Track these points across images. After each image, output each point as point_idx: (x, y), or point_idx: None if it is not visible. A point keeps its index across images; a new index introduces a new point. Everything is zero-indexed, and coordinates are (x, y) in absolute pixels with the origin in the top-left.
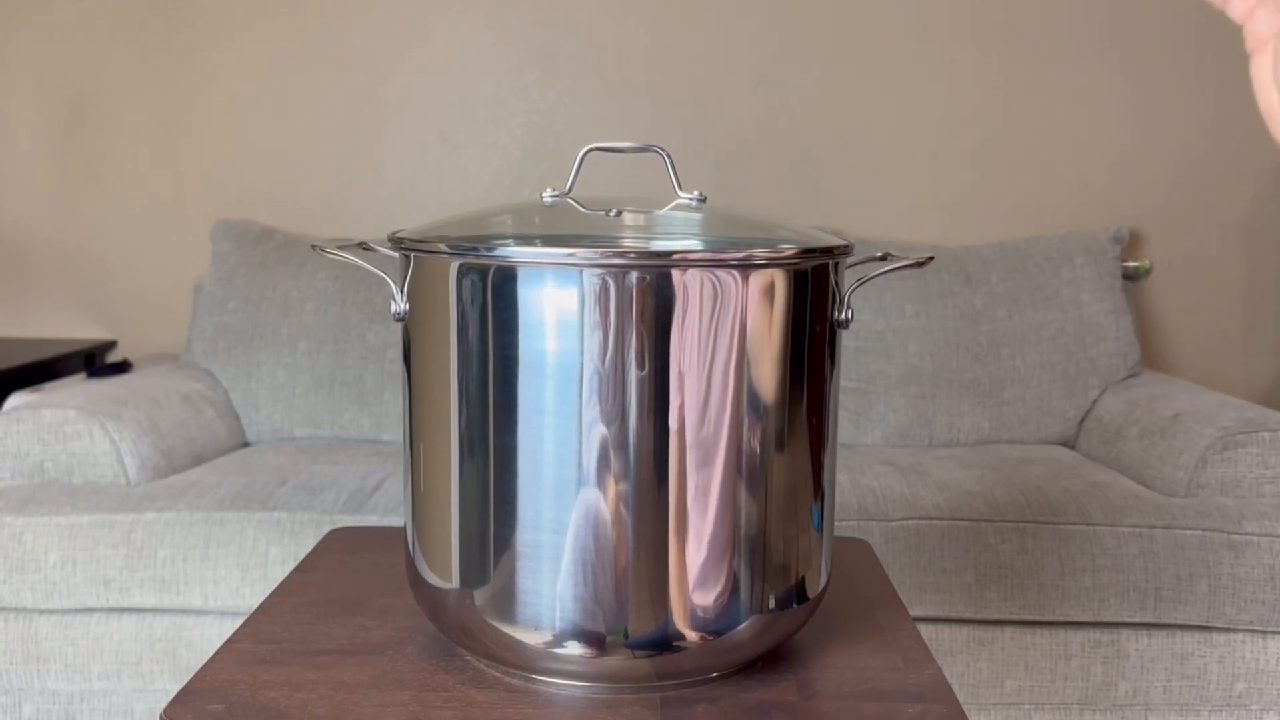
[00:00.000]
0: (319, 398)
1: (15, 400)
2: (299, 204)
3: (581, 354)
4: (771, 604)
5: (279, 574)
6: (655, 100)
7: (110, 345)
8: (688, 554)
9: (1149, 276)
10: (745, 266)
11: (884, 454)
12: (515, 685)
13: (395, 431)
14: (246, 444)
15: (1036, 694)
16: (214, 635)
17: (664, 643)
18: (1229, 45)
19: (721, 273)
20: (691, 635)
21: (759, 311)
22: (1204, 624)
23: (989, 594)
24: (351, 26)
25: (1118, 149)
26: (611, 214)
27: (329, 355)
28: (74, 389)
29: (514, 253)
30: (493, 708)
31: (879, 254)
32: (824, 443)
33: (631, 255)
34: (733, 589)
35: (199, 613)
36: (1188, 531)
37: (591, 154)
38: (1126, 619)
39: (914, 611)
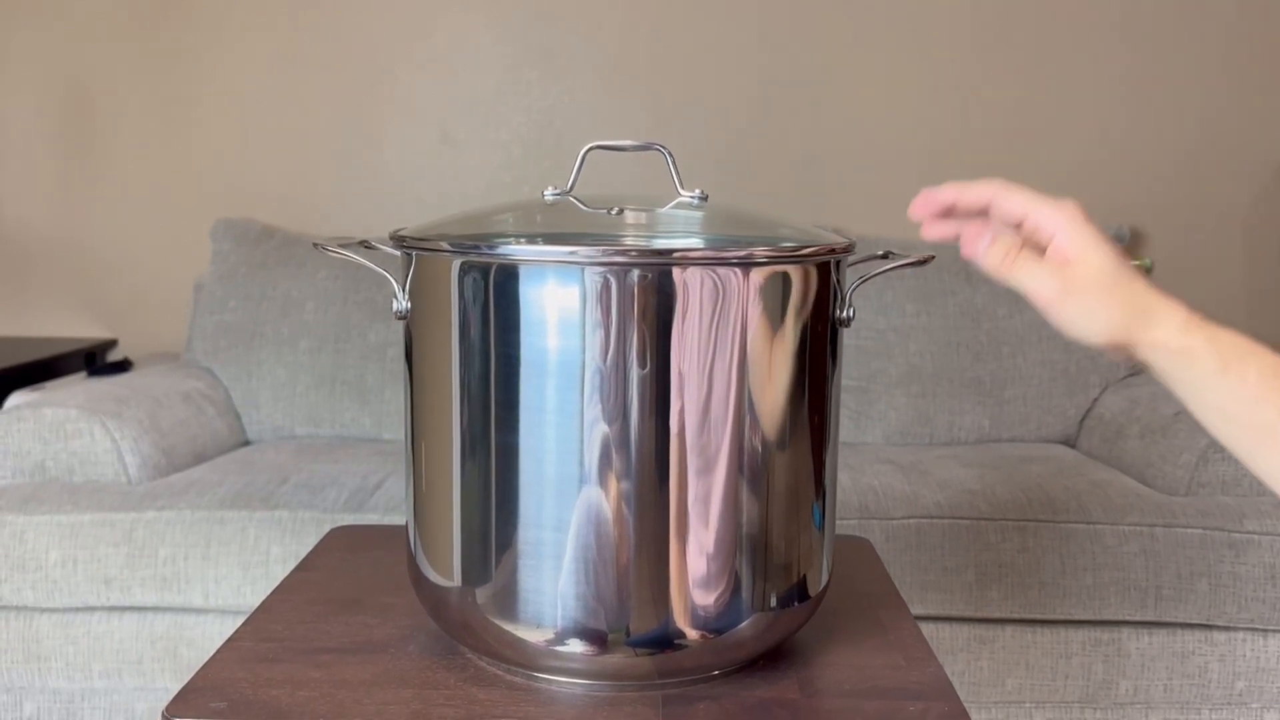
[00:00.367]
0: (320, 396)
1: (16, 399)
2: (300, 202)
3: (583, 352)
4: (773, 602)
5: (280, 572)
6: (657, 98)
7: (111, 344)
8: (689, 552)
9: (1150, 275)
10: (747, 265)
11: (885, 452)
12: (517, 683)
13: (396, 430)
14: (247, 443)
15: (1037, 692)
16: (215, 634)
17: (665, 641)
18: (1229, 45)
19: (723, 271)
20: (693, 633)
21: (760, 310)
22: (1204, 622)
23: (990, 592)
24: (353, 25)
25: (1119, 147)
26: (613, 212)
27: (330, 354)
28: (75, 388)
29: (515, 251)
30: (494, 706)
31: (880, 252)
32: (825, 441)
33: (633, 253)
34: (734, 587)
35: (200, 611)
36: (1188, 530)
37: (593, 152)
38: (1127, 617)
39: (915, 610)
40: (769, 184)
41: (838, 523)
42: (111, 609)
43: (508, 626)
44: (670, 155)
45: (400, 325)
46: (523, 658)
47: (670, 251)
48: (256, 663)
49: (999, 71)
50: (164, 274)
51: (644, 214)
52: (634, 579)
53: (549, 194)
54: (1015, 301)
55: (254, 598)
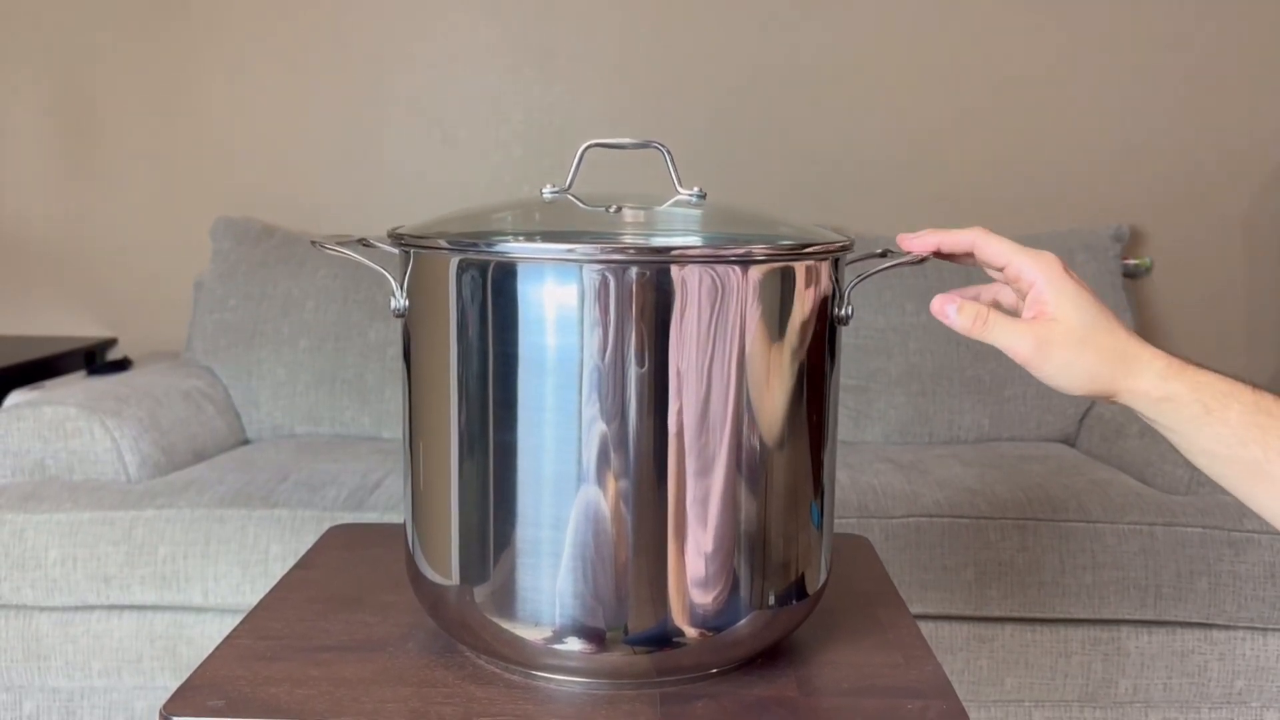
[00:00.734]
0: (319, 395)
1: (16, 398)
2: (299, 201)
3: (581, 350)
4: (771, 600)
5: (279, 571)
6: (655, 96)
7: (111, 343)
8: (687, 550)
9: (1149, 274)
10: (745, 263)
11: (884, 451)
12: (515, 681)
13: (396, 429)
14: (247, 441)
15: (1037, 691)
16: (214, 632)
17: (664, 639)
18: (1229, 44)
19: (721, 269)
20: (691, 631)
21: (759, 308)
22: (1204, 621)
23: (989, 591)
24: (352, 24)
25: (1119, 146)
26: (611, 210)
27: (329, 353)
28: (74, 386)
29: (514, 249)
30: (493, 704)
31: (879, 250)
32: (824, 440)
33: (631, 251)
34: (733, 585)
35: (199, 610)
36: (1188, 529)
37: (591, 150)
38: (1127, 616)
39: (914, 609)
40: (767, 182)
41: (837, 521)
42: (111, 607)
43: (506, 625)
44: (669, 153)
45: (399, 324)
46: (521, 656)
47: (669, 249)
48: (255, 661)
49: (998, 71)
50: (164, 273)
51: (642, 212)
52: (632, 577)
53: (547, 192)
54: None
55: (253, 596)
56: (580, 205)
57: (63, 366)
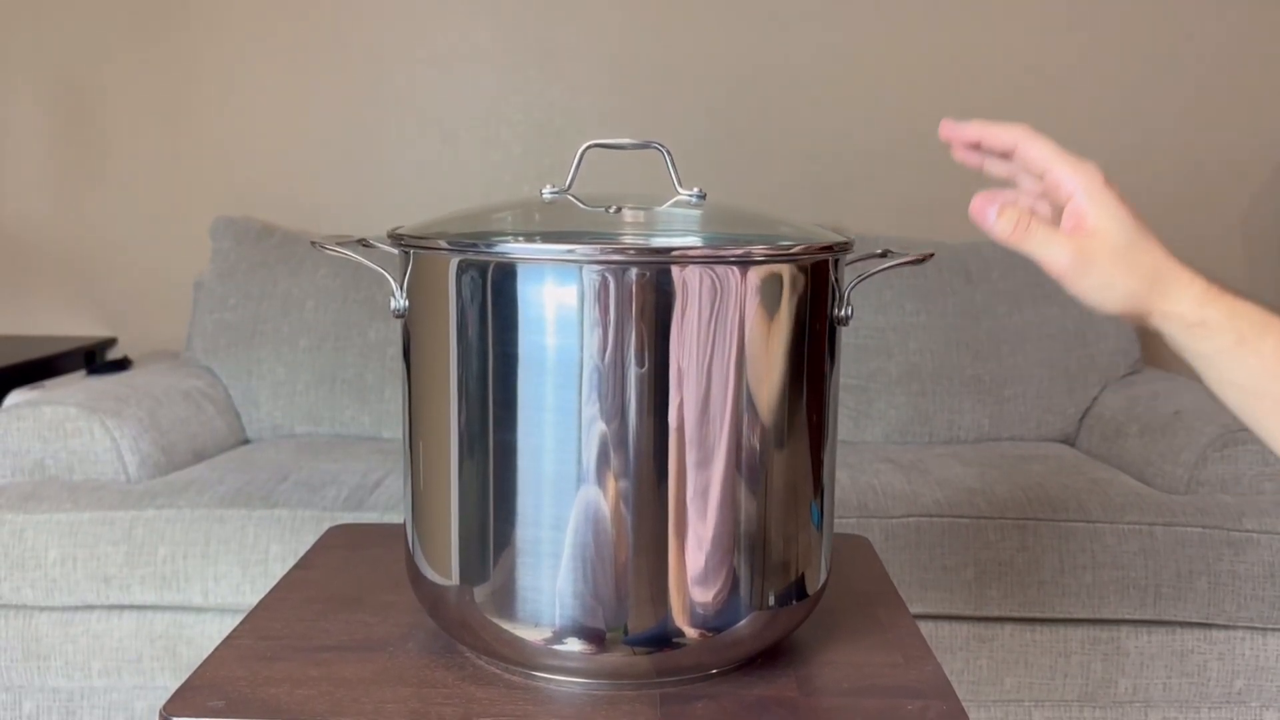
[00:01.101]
0: (319, 395)
1: (15, 397)
2: (299, 201)
3: (581, 350)
4: (771, 601)
5: (279, 571)
6: (655, 96)
7: (111, 342)
8: (687, 551)
9: None
10: (745, 263)
11: (884, 451)
12: (515, 681)
13: (396, 428)
14: (247, 441)
15: (1036, 691)
16: (214, 632)
17: (664, 639)
18: (1229, 46)
19: (721, 269)
20: (691, 632)
21: (759, 308)
22: (1204, 621)
23: (989, 591)
24: (352, 23)
25: (1119, 146)
26: (611, 210)
27: (329, 352)
28: (74, 386)
29: (513, 249)
30: (492, 704)
31: (879, 250)
32: (824, 440)
33: (631, 252)
34: (732, 586)
35: (199, 610)
36: (1188, 529)
37: (591, 150)
38: (1126, 616)
39: (914, 608)
40: (767, 182)
41: (837, 521)
42: (111, 607)
43: (506, 625)
44: (669, 154)
45: (399, 324)
46: (521, 656)
47: (668, 250)
48: (255, 661)
49: (999, 68)
50: (164, 272)
51: (642, 212)
52: (632, 577)
53: (547, 192)
54: (1015, 300)
55: (253, 596)
56: (580, 205)
57: (63, 366)
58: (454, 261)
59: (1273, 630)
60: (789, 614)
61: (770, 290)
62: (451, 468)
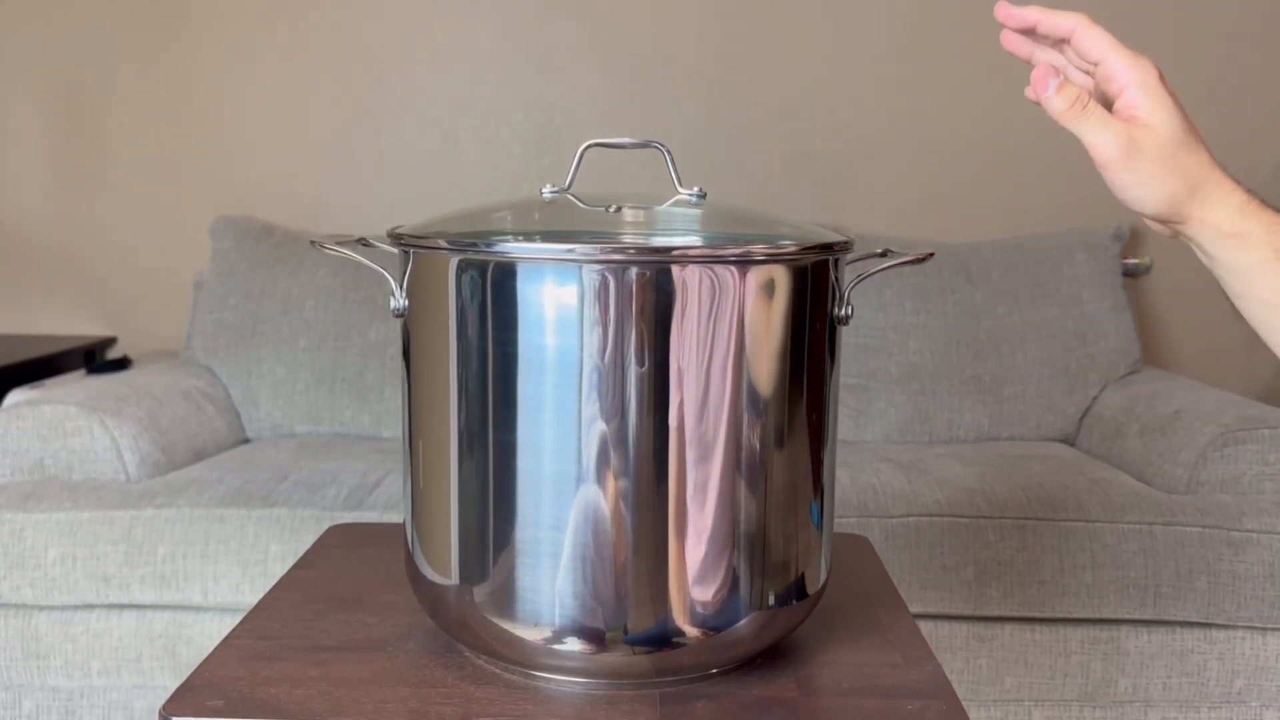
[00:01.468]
0: (319, 394)
1: (15, 396)
2: (299, 200)
3: (581, 350)
4: (771, 600)
5: (279, 570)
6: (655, 96)
7: (110, 342)
8: (687, 550)
9: (1149, 273)
10: (745, 262)
11: (884, 451)
12: (515, 681)
13: (395, 428)
14: (247, 440)
15: (1036, 690)
16: (214, 632)
17: (663, 639)
18: (1228, 43)
19: (721, 269)
20: (691, 631)
21: (759, 308)
22: (1203, 621)
23: (989, 591)
24: (352, 22)
25: None
26: (611, 210)
27: (329, 352)
28: (74, 385)
29: (513, 249)
30: (492, 704)
31: (879, 250)
32: (824, 439)
33: (631, 251)
34: (732, 585)
35: (199, 609)
36: (1187, 528)
37: (591, 150)
38: (1126, 616)
39: (914, 608)
40: (767, 182)
41: (837, 521)
42: (110, 607)
43: (505, 625)
44: (669, 153)
45: (399, 323)
46: (520, 656)
47: (669, 249)
48: (254, 661)
49: (1000, 67)
50: (164, 272)
51: (642, 212)
52: (632, 577)
53: (547, 191)
54: (1015, 300)
55: (252, 595)
56: (580, 205)
57: (62, 365)
58: (454, 261)
59: (1273, 630)
60: (789, 614)
61: (770, 290)
62: (451, 467)
